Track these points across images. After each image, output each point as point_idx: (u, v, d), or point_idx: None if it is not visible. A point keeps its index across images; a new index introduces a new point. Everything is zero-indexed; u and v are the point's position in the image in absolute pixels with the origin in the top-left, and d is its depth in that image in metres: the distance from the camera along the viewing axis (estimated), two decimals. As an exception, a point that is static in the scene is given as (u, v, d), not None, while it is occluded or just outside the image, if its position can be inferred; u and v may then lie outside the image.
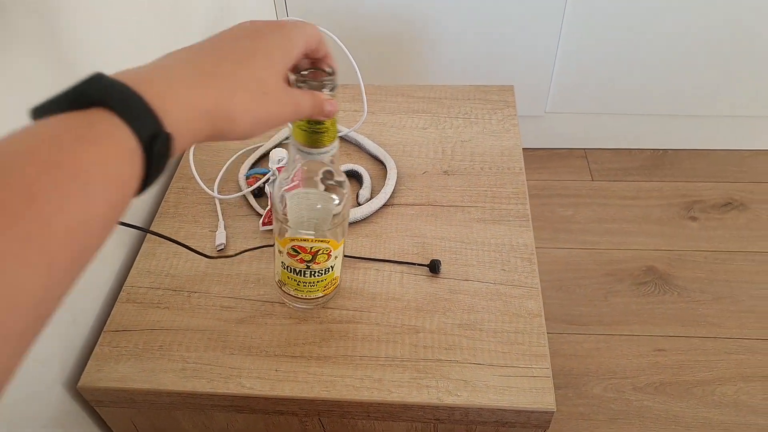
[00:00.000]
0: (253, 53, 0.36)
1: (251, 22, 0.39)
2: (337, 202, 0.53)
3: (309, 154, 0.46)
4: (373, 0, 1.37)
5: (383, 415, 0.58)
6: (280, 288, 0.61)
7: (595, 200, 1.59)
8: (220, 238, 0.70)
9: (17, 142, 0.25)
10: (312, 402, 0.57)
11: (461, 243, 0.69)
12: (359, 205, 0.73)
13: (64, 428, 0.61)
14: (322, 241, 0.54)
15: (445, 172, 0.78)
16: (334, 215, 0.54)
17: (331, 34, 0.67)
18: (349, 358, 0.59)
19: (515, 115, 0.85)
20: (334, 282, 0.61)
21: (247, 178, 0.77)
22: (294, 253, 0.55)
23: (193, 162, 0.78)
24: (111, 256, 0.69)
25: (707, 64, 1.46)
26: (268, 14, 1.35)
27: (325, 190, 0.52)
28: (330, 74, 0.42)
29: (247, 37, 0.37)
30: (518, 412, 0.56)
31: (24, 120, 0.27)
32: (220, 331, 0.62)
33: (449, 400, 0.56)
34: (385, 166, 0.78)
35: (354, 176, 0.78)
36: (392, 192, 0.75)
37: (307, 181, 0.51)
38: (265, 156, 0.81)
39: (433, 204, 0.74)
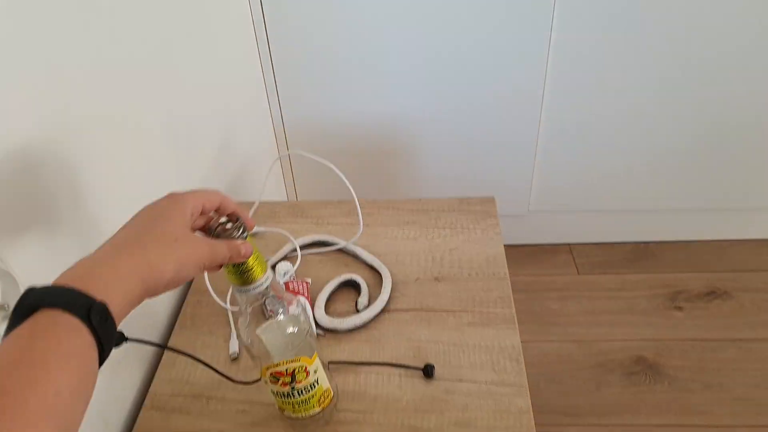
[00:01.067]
0: (153, 220, 0.45)
1: (149, 205, 0.47)
2: (289, 326, 0.58)
3: (247, 291, 0.53)
4: (362, 127, 1.52)
5: None
6: (283, 413, 0.66)
7: (582, 293, 1.66)
8: (234, 347, 0.76)
9: None
10: (321, 502, 0.62)
11: (454, 346, 0.76)
12: (358, 312, 0.80)
13: None
14: (292, 361, 0.59)
15: (436, 278, 0.86)
16: (290, 335, 0.58)
17: (325, 162, 0.77)
18: (354, 459, 0.64)
19: (497, 224, 0.94)
20: (326, 395, 0.64)
21: (257, 289, 0.84)
22: (275, 380, 0.60)
23: (207, 276, 0.85)
24: (136, 367, 0.75)
25: (682, 162, 1.56)
26: (268, 144, 1.47)
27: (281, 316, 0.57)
28: (234, 222, 0.50)
29: (146, 213, 0.46)
30: (511, 506, 0.61)
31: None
32: (236, 436, 0.67)
33: (447, 496, 0.61)
34: (380, 275, 0.86)
35: (352, 285, 0.85)
36: (388, 299, 0.82)
37: (257, 317, 0.56)
38: (272, 268, 0.88)
39: (427, 309, 0.81)
